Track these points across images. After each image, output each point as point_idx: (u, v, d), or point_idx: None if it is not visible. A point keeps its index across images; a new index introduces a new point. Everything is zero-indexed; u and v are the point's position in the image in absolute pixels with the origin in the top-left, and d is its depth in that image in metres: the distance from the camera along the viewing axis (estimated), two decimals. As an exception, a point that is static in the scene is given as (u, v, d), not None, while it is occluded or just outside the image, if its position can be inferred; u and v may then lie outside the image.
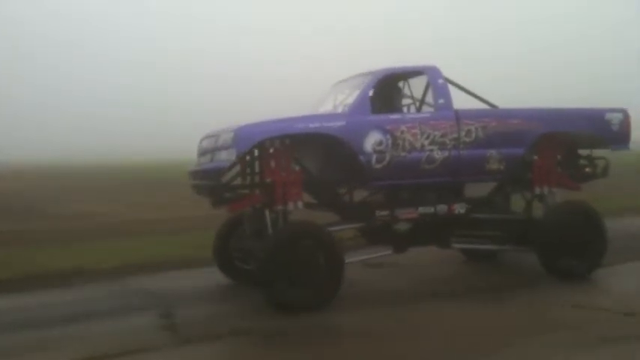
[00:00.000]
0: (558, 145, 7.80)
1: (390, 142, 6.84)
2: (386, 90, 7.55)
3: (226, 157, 6.40)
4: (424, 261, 8.38)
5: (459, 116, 7.23)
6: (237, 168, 6.92)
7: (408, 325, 5.76)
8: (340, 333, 5.74)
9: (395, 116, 7.18)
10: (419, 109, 7.88)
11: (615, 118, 7.86)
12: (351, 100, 7.23)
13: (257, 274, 6.41)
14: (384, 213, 7.18)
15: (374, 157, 6.80)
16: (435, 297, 6.67)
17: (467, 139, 7.18)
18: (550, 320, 5.78)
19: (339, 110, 7.27)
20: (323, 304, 6.31)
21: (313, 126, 6.67)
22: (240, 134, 6.35)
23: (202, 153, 7.13)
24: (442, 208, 7.31)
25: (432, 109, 7.45)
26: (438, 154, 7.05)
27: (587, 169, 8.22)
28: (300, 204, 6.73)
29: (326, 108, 7.75)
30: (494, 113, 7.60)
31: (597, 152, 8.23)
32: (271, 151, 6.64)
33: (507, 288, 7.03)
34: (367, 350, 5.03)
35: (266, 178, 6.69)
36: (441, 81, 7.39)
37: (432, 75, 7.45)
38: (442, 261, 8.51)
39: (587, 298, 6.43)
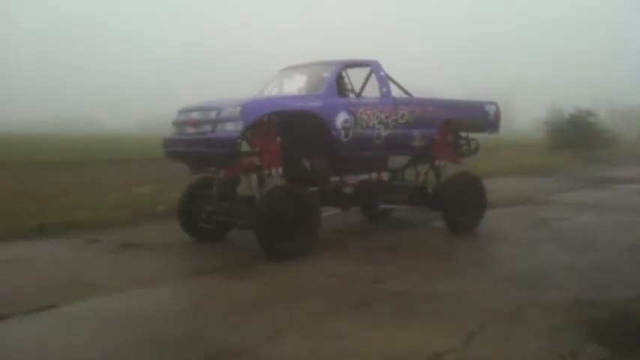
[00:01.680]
0: (451, 128, 9.52)
1: (353, 120, 8.03)
2: (339, 77, 8.54)
3: (233, 128, 7.08)
4: (183, 240, 8.35)
5: (396, 102, 8.67)
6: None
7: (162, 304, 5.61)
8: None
9: (356, 99, 8.59)
10: (358, 95, 9.01)
11: (491, 109, 10.01)
12: (312, 85, 8.51)
13: (255, 228, 7.13)
14: (336, 179, 8.32)
15: (342, 133, 7.93)
16: (194, 274, 6.59)
17: (401, 121, 8.63)
18: (304, 289, 6.00)
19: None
20: (305, 251, 7.35)
21: (301, 105, 7.70)
22: (248, 108, 7.17)
23: (195, 124, 7.63)
24: (374, 175, 8.76)
25: (376, 95, 8.62)
26: (383, 132, 8.41)
27: (465, 148, 9.94)
28: (280, 170, 7.62)
29: (272, 92, 8.91)
30: (418, 101, 9.08)
31: (472, 135, 10.06)
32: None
33: (264, 262, 7.10)
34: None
35: (256, 147, 7.52)
36: (382, 73, 8.77)
37: (375, 67, 8.82)
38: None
39: (344, 268, 6.79)
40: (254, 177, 7.79)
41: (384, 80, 8.74)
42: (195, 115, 7.75)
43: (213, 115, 7.41)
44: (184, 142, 7.78)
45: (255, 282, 6.34)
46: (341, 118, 7.91)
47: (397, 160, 9.18)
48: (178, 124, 8.05)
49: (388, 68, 8.89)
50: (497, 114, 10.09)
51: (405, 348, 4.34)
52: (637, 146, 36.39)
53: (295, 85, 8.85)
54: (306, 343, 4.49)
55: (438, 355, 4.19)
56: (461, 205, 9.05)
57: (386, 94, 8.65)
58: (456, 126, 9.63)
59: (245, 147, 7.69)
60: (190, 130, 7.72)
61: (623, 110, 63.53)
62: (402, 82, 9.25)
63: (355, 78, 9.15)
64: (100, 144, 33.46)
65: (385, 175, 9.03)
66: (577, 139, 26.96)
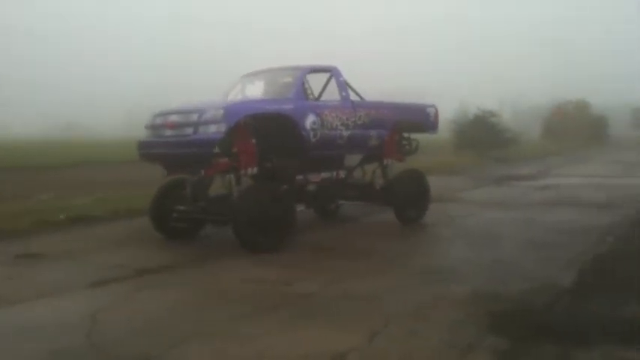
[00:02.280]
0: (398, 129, 10.10)
1: (319, 122, 8.53)
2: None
3: (216, 129, 7.45)
4: (91, 248, 8.17)
5: (355, 105, 9.27)
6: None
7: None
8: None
9: (321, 102, 9.01)
10: (317, 99, 9.28)
11: (431, 111, 10.79)
12: (276, 90, 9.04)
13: (233, 224, 7.54)
14: (301, 177, 8.77)
15: (311, 133, 8.40)
16: (96, 284, 6.31)
17: (359, 122, 9.22)
18: (213, 295, 5.93)
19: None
20: (280, 244, 7.72)
21: (276, 107, 8.23)
22: (230, 111, 7.60)
23: (174, 126, 7.90)
24: (333, 174, 9.31)
25: (337, 99, 9.17)
26: (345, 133, 8.98)
27: (407, 147, 10.56)
28: (255, 169, 8.03)
29: (236, 97, 9.35)
30: (373, 104, 9.70)
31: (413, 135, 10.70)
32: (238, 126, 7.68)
33: (182, 265, 7.08)
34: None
35: (233, 148, 7.82)
36: (341, 78, 9.37)
37: (335, 73, 9.38)
38: (112, 244, 8.39)
39: (257, 271, 6.76)
40: (231, 177, 8.25)
41: (344, 85, 9.36)
42: (174, 118, 8.01)
43: (194, 117, 7.71)
44: (163, 144, 8.05)
45: (163, 289, 6.16)
46: (309, 120, 8.42)
47: (352, 159, 9.88)
48: (154, 127, 8.28)
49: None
50: (436, 115, 10.90)
51: (310, 349, 4.33)
52: (538, 144, 38.27)
53: (257, 90, 9.41)
54: (210, 348, 4.40)
55: (343, 353, 4.20)
56: (409, 200, 9.86)
57: (346, 98, 9.28)
58: (402, 127, 10.27)
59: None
60: (169, 132, 8.00)
61: (526, 110, 66.54)
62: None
63: (314, 83, 9.67)
64: (12, 150, 31.59)
65: (342, 174, 9.60)
66: (481, 138, 28.01)
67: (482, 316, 4.95)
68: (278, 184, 8.28)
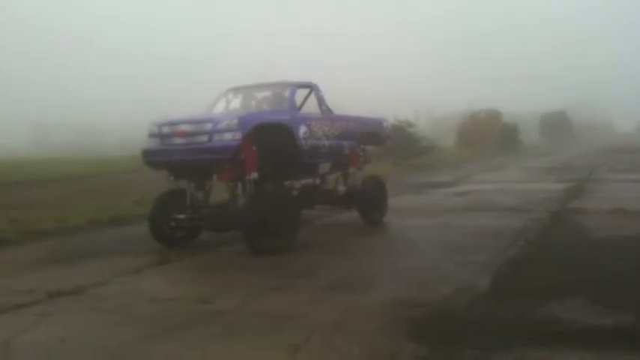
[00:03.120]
0: (361, 140, 11.02)
1: (309, 132, 9.35)
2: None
3: (232, 137, 8.12)
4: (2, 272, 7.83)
5: (332, 118, 10.21)
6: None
7: None
8: None
9: (308, 115, 9.76)
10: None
11: (385, 124, 12.10)
12: (266, 103, 9.94)
13: (242, 228, 8.04)
14: (287, 182, 9.34)
15: (303, 142, 9.17)
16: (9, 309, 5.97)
17: (336, 133, 10.11)
18: (128, 316, 5.70)
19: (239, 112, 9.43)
20: (288, 247, 8.22)
21: (277, 118, 9.01)
22: (243, 120, 8.29)
23: (187, 135, 8.43)
24: (310, 180, 9.96)
25: (317, 112, 10.04)
26: (326, 143, 9.83)
27: (363, 157, 11.29)
28: (256, 175, 8.49)
29: (219, 110, 9.94)
30: (344, 117, 10.71)
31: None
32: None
33: (93, 285, 6.83)
34: None
35: (240, 155, 8.24)
36: (321, 93, 10.26)
37: (315, 88, 10.28)
38: (24, 266, 8.04)
39: (169, 290, 6.64)
40: (237, 183, 8.70)
41: (323, 99, 10.25)
42: (186, 127, 8.53)
43: (208, 126, 8.31)
44: (175, 151, 8.56)
45: (73, 313, 5.84)
46: (302, 130, 9.24)
47: (324, 168, 10.49)
48: (162, 135, 8.73)
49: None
50: (389, 128, 12.34)
51: (229, 367, 4.20)
52: (453, 152, 39.42)
53: (242, 104, 10.18)
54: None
55: (264, 371, 4.10)
56: (374, 203, 10.75)
57: (325, 111, 10.19)
58: (364, 139, 11.14)
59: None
60: (179, 140, 8.52)
61: (440, 119, 68.46)
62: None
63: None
64: None
65: (317, 180, 10.32)
66: (398, 147, 28.52)
67: (400, 324, 4.96)
68: (285, 188, 9.13)
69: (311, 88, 10.33)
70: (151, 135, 8.92)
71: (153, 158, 8.90)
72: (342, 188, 10.96)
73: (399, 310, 5.37)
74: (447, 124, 57.93)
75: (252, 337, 4.88)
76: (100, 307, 6.03)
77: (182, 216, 8.95)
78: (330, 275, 6.99)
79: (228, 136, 8.17)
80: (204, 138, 8.29)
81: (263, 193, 8.45)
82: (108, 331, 5.22)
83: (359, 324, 5.06)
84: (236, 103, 10.29)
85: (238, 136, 8.13)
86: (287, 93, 9.77)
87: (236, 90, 10.61)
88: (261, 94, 10.36)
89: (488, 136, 45.21)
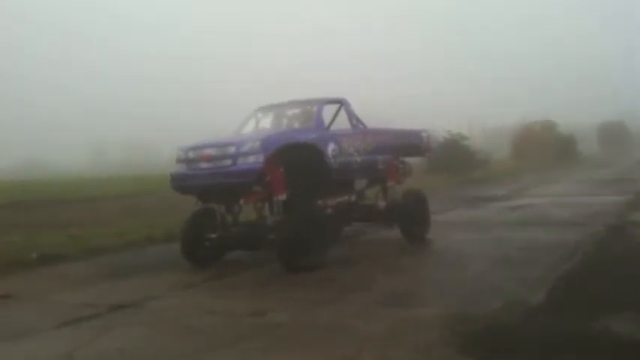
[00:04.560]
0: (399, 153, 10.75)
1: (338, 149, 9.14)
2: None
3: (255, 160, 8.04)
4: (63, 286, 8.11)
5: (365, 132, 9.97)
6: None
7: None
8: None
9: (337, 131, 9.52)
10: (328, 128, 9.55)
11: (425, 135, 11.68)
12: (296, 121, 9.91)
13: (279, 248, 8.07)
14: (320, 202, 9.23)
15: (332, 160, 8.95)
16: (65, 324, 6.21)
17: (369, 149, 9.85)
18: (185, 328, 5.91)
19: (266, 132, 9.26)
20: (321, 263, 8.22)
21: (304, 137, 8.85)
22: (266, 142, 8.22)
23: (211, 159, 8.42)
24: (345, 198, 9.82)
25: (348, 127, 9.84)
26: (358, 159, 9.60)
27: (403, 170, 10.99)
28: (284, 196, 8.35)
29: (248, 130, 9.83)
30: (378, 131, 10.46)
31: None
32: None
33: (150, 299, 7.10)
34: None
35: (267, 176, 8.14)
36: (351, 108, 9.99)
37: (345, 103, 10.02)
38: (84, 282, 8.32)
39: (221, 304, 6.80)
40: (265, 204, 8.77)
41: (353, 114, 10.01)
42: (210, 151, 8.52)
43: (232, 150, 8.26)
44: (201, 176, 8.52)
45: (132, 326, 6.12)
46: (330, 148, 9.02)
47: (360, 183, 10.29)
48: (188, 160, 8.76)
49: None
50: (429, 139, 11.89)
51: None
52: (507, 164, 38.80)
53: (272, 123, 10.10)
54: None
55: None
56: (414, 218, 10.36)
57: (356, 126, 9.99)
58: (402, 151, 10.90)
59: None
60: (205, 165, 8.51)
61: (493, 130, 67.32)
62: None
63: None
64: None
65: (353, 197, 10.11)
66: (452, 161, 28.32)
67: (452, 338, 4.99)
68: (317, 207, 9.05)
69: (340, 103, 10.08)
70: (178, 160, 8.94)
71: (180, 183, 8.87)
72: (381, 203, 10.66)
73: (451, 323, 5.38)
74: (500, 136, 57.04)
75: (306, 349, 5.02)
76: (159, 319, 6.32)
77: (214, 235, 8.96)
78: (383, 289, 7.07)
79: (251, 159, 8.11)
80: (229, 161, 8.27)
81: (295, 211, 8.41)
82: (166, 343, 5.47)
83: (411, 337, 5.13)
84: (265, 122, 10.24)
85: (261, 158, 8.04)
86: (315, 109, 9.69)
87: (265, 109, 10.55)
88: (290, 112, 10.29)
89: (544, 147, 44.30)
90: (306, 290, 7.25)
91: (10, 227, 12.80)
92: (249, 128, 10.08)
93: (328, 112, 9.88)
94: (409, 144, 11.25)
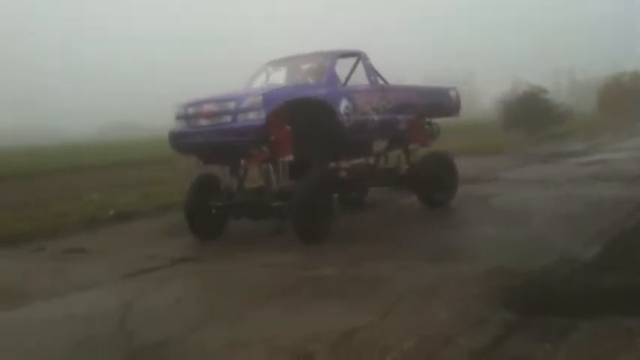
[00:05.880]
0: (423, 113, 9.89)
1: (352, 107, 8.42)
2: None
3: (256, 116, 7.36)
4: (136, 241, 8.64)
5: (383, 90, 9.19)
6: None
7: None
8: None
9: (352, 87, 8.78)
10: (344, 84, 8.84)
11: (453, 94, 10.72)
12: (306, 75, 9.05)
13: (292, 215, 7.35)
14: (333, 164, 8.69)
15: (345, 118, 8.27)
16: (131, 276, 6.72)
17: (388, 107, 9.08)
18: (232, 282, 6.29)
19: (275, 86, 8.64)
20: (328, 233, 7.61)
21: (312, 93, 8.22)
22: (269, 97, 7.51)
23: (211, 115, 7.81)
24: (362, 160, 9.20)
25: (366, 83, 9.06)
26: (375, 117, 8.84)
27: (428, 132, 10.20)
28: (290, 157, 7.71)
29: (259, 85, 9.03)
30: (400, 88, 9.84)
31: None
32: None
33: (209, 255, 7.52)
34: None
35: (271, 135, 7.47)
36: (369, 62, 9.15)
37: (363, 57, 9.15)
38: (154, 237, 8.90)
39: (275, 258, 7.00)
40: (269, 166, 7.86)
41: (372, 69, 9.19)
42: (210, 107, 7.90)
43: (231, 105, 7.62)
44: (199, 134, 7.91)
45: (188, 278, 6.60)
46: (343, 105, 8.32)
47: (379, 145, 9.50)
48: (188, 117, 8.12)
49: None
50: (458, 98, 10.79)
51: (322, 326, 4.54)
52: (592, 119, 37.19)
53: (283, 77, 9.36)
54: (226, 331, 4.69)
55: (353, 330, 4.39)
56: (435, 182, 9.54)
57: (374, 82, 9.18)
58: (427, 111, 10.03)
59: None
60: (204, 122, 7.90)
61: (584, 82, 64.26)
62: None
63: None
64: (52, 154, 32.98)
65: (371, 160, 9.53)
66: (530, 116, 27.40)
67: (495, 292, 5.03)
68: (332, 173, 8.54)
69: (358, 56, 9.19)
70: (178, 117, 8.28)
71: (178, 141, 8.25)
72: (403, 167, 9.97)
73: (497, 279, 5.41)
74: (588, 89, 54.47)
75: (349, 299, 5.22)
76: (216, 272, 6.71)
77: (219, 203, 8.26)
78: (432, 246, 7.13)
79: (252, 116, 7.44)
80: (228, 118, 7.62)
81: (306, 175, 7.82)
82: (219, 293, 5.86)
83: (452, 291, 5.21)
84: (277, 77, 9.42)
85: (263, 115, 7.34)
86: (327, 63, 8.85)
87: (277, 62, 9.72)
88: (304, 66, 9.38)
89: (632, 99, 41.99)
90: (357, 246, 7.42)
91: (94, 187, 13.65)
92: (258, 83, 9.27)
93: (346, 66, 9.10)
94: (436, 103, 10.33)
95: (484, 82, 70.00)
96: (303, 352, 4.07)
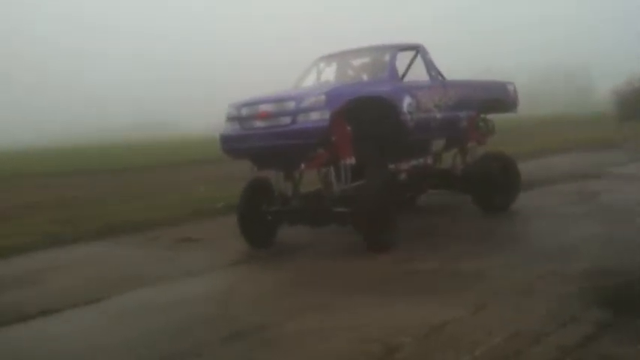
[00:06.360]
0: (481, 109, 9.41)
1: (415, 104, 7.95)
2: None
3: (320, 117, 6.88)
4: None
5: (445, 85, 8.72)
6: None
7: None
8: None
9: (413, 83, 8.28)
10: (402, 79, 8.38)
11: (511, 88, 10.20)
12: (365, 71, 8.68)
13: (362, 222, 6.92)
14: (392, 166, 8.15)
15: (408, 117, 7.81)
16: (236, 264, 7.29)
17: (450, 103, 8.62)
18: (326, 274, 6.50)
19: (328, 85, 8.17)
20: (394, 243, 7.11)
21: (374, 90, 7.76)
22: (332, 96, 7.01)
23: (267, 116, 7.32)
24: (421, 160, 8.66)
25: (426, 79, 8.62)
26: (438, 115, 8.39)
27: (484, 129, 9.73)
28: (352, 160, 7.21)
29: (309, 83, 8.68)
30: (460, 83, 9.27)
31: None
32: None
33: (302, 248, 7.82)
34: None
35: (332, 136, 6.98)
36: (428, 56, 8.69)
37: (422, 51, 8.67)
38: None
39: (408, 255, 6.91)
40: (330, 169, 7.47)
41: (432, 63, 8.74)
42: (266, 108, 7.41)
43: (291, 105, 7.14)
44: (256, 136, 7.39)
45: (284, 271, 6.93)
46: (406, 102, 7.85)
47: (438, 144, 8.92)
48: (241, 118, 7.59)
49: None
50: (515, 93, 10.26)
51: (413, 319, 4.69)
52: None
53: (336, 74, 8.95)
54: (321, 319, 4.94)
55: (444, 323, 4.52)
56: (493, 186, 8.77)
57: (435, 77, 8.72)
58: (485, 107, 9.54)
59: None
60: (260, 124, 7.40)
61: None
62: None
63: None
64: (164, 148, 34.98)
65: (430, 160, 8.88)
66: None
67: (590, 291, 4.98)
68: (393, 175, 8.06)
69: (417, 50, 8.66)
70: (230, 118, 7.72)
71: (231, 145, 7.69)
72: (459, 167, 9.39)
73: (594, 278, 5.34)
74: None
75: (443, 294, 5.32)
76: (312, 266, 7.00)
77: (275, 208, 7.78)
78: (536, 243, 7.10)
79: (314, 116, 6.92)
80: (288, 119, 7.10)
81: (369, 178, 7.32)
82: (315, 285, 6.12)
83: (548, 289, 5.19)
84: (329, 73, 8.95)
85: (327, 115, 6.83)
86: (387, 58, 8.44)
87: (329, 58, 9.21)
88: (358, 62, 9.00)
89: None
90: (458, 241, 7.49)
91: (202, 179, 14.42)
92: (310, 81, 8.83)
93: (402, 61, 8.52)
94: (494, 98, 9.80)
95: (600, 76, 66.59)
96: (392, 343, 4.22)
